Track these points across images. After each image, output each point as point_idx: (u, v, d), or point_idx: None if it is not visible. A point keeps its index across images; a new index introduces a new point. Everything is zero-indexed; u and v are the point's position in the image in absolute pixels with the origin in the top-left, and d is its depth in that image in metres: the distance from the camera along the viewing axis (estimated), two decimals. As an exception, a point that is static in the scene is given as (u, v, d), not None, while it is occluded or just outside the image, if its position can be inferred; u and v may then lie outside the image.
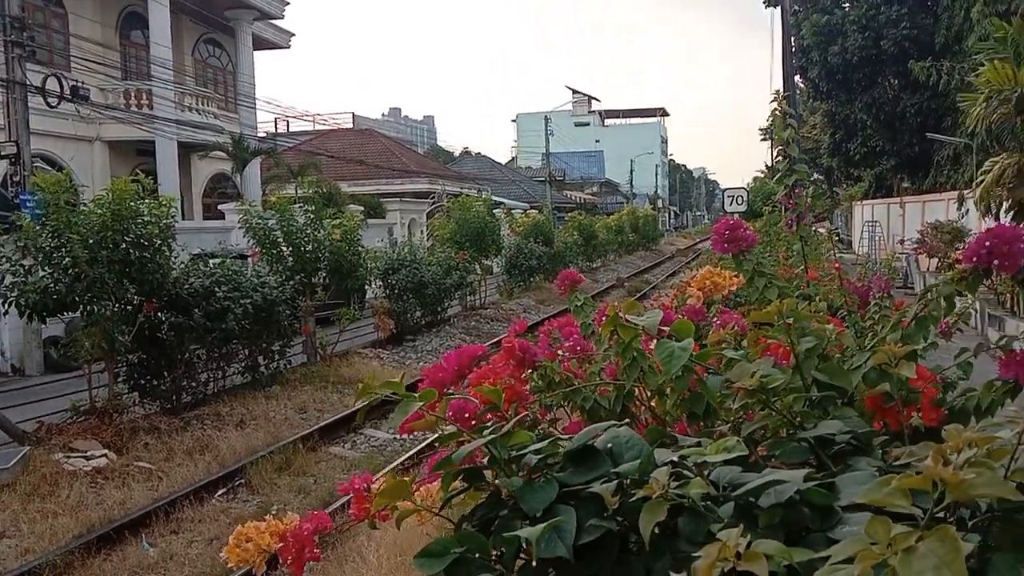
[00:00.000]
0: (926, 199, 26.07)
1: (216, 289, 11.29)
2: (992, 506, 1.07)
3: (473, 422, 1.57)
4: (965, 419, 1.74)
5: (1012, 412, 1.14)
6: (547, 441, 1.39)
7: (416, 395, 1.52)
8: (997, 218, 14.06)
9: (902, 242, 21.11)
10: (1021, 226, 1.83)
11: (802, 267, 3.24)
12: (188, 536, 7.44)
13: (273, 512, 6.73)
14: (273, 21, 32.37)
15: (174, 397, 10.99)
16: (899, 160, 31.10)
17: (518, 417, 1.46)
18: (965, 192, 17.14)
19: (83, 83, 21.33)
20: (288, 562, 1.70)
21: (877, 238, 29.51)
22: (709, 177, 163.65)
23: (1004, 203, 13.52)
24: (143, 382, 10.79)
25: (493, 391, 1.59)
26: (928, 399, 1.68)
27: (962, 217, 18.53)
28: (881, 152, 31.65)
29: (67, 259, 9.34)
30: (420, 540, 5.41)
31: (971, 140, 16.74)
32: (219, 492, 8.54)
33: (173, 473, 8.81)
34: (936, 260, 18.62)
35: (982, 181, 13.73)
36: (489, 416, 1.64)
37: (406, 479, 1.58)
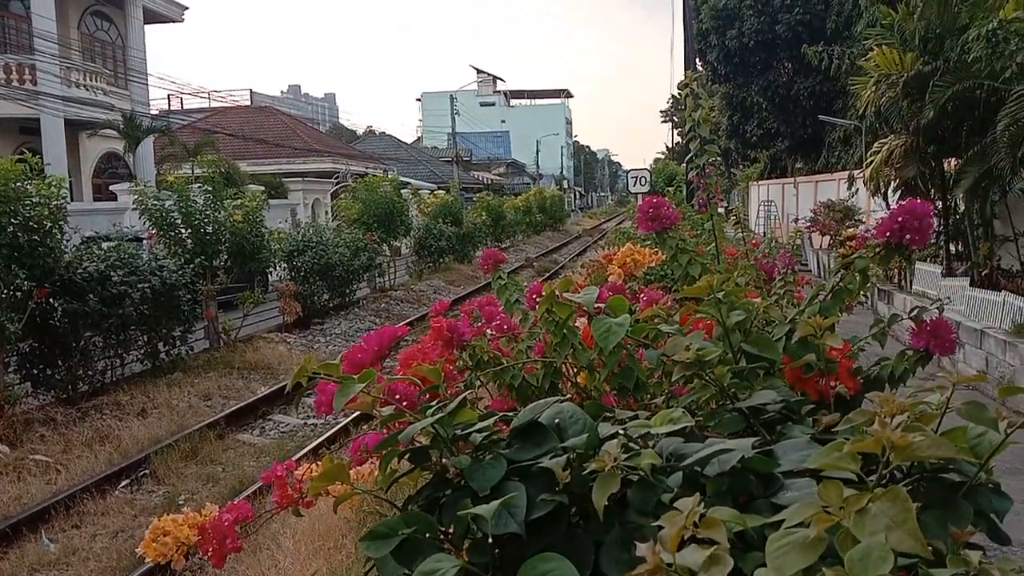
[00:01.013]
0: (818, 179, 27.11)
1: (111, 273, 10.85)
2: (922, 467, 1.13)
3: (406, 403, 1.56)
4: (880, 386, 1.83)
5: (941, 376, 1.20)
6: (492, 419, 1.39)
7: (355, 377, 1.49)
8: (885, 197, 14.80)
9: (796, 221, 21.94)
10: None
11: (712, 245, 3.34)
12: (91, 530, 7.15)
13: (181, 502, 6.52)
14: (165, -7, 31.02)
15: (70, 387, 10.52)
16: (793, 141, 32.21)
17: (462, 395, 1.45)
18: (855, 172, 17.93)
19: (-42, 56, 20.06)
20: (209, 554, 1.65)
21: (772, 217, 30.58)
22: (612, 158, 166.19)
23: (892, 182, 14.22)
24: (36, 371, 10.28)
25: (433, 371, 1.59)
26: (845, 368, 1.76)
27: (852, 196, 19.39)
28: (776, 134, 32.71)
29: (-52, 243, 8.80)
30: (337, 524, 5.33)
31: (861, 122, 17.47)
32: (123, 483, 8.24)
33: (72, 465, 8.44)
34: (828, 238, 19.43)
35: (871, 162, 14.39)
36: (426, 397, 1.63)
37: (343, 462, 1.56)
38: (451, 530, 1.28)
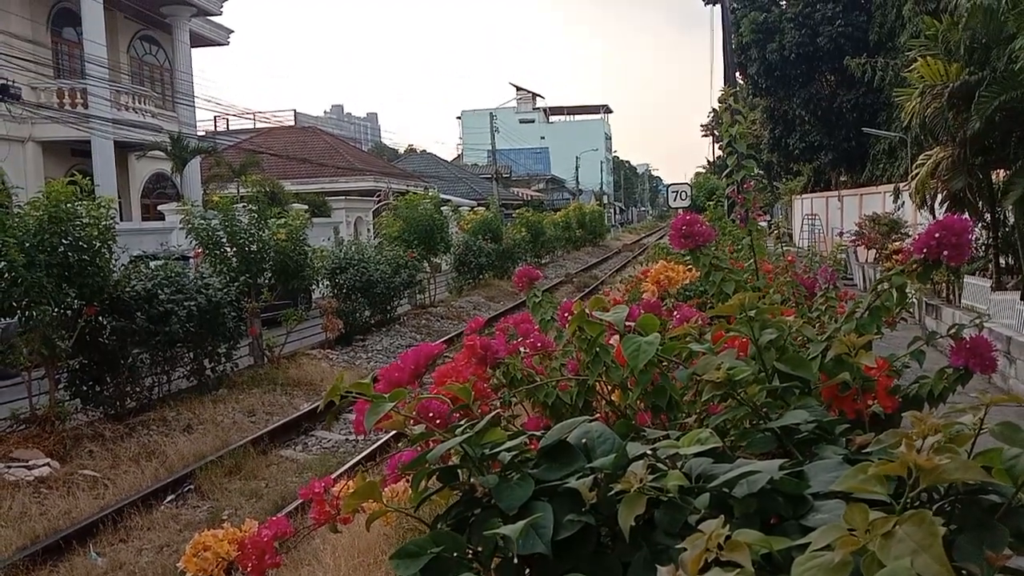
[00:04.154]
0: (863, 192, 26.71)
1: (159, 291, 11.07)
2: (957, 489, 1.11)
3: (438, 421, 1.57)
4: (919, 405, 1.80)
5: (974, 395, 1.18)
6: (520, 438, 1.40)
7: (386, 396, 1.51)
8: (932, 210, 14.51)
9: (841, 235, 21.62)
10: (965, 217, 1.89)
11: (751, 260, 3.31)
12: (137, 544, 7.28)
13: (225, 517, 6.59)
14: (211, 17, 31.74)
15: (118, 403, 10.73)
16: (836, 154, 31.81)
17: (491, 415, 1.46)
18: (901, 185, 17.62)
19: (13, 81, 20.69)
20: (248, 570, 1.67)
21: (817, 231, 30.18)
22: (653, 173, 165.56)
23: (939, 195, 13.95)
24: (85, 388, 10.51)
25: (463, 389, 1.59)
26: (883, 387, 1.73)
27: (898, 209, 19.05)
28: (819, 147, 32.35)
29: (2, 263, 9.05)
30: (377, 541, 5.35)
31: (905, 134, 17.22)
32: (168, 499, 8.38)
33: (119, 480, 8.61)
34: (874, 251, 19.11)
35: (917, 174, 14.15)
36: (457, 415, 1.64)
37: (375, 480, 1.57)
38: (480, 549, 1.29)
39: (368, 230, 31.70)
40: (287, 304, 15.67)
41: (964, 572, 1.05)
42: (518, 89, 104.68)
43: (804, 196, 35.25)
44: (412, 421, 1.57)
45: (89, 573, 6.73)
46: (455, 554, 1.27)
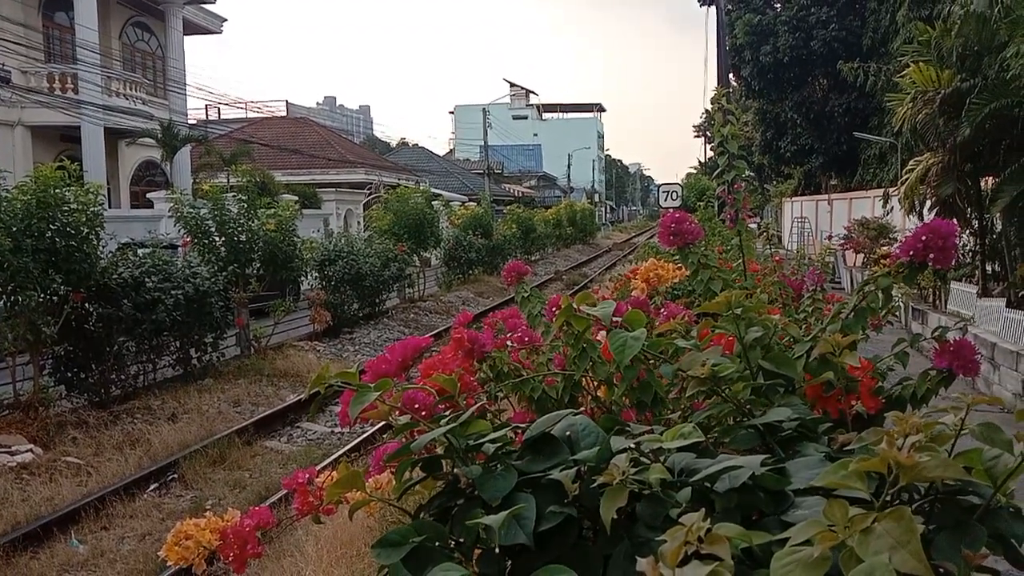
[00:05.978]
0: (853, 196, 26.82)
1: (146, 279, 11.02)
2: (936, 488, 1.12)
3: (424, 412, 1.57)
4: (902, 407, 1.80)
5: (956, 397, 1.19)
6: (504, 430, 1.40)
7: (371, 385, 1.51)
8: (920, 215, 14.59)
9: (830, 238, 21.69)
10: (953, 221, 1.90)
11: (739, 261, 3.32)
12: (119, 532, 7.25)
13: (208, 507, 6.58)
14: (204, 5, 31.56)
15: (103, 390, 10.68)
16: (827, 158, 31.94)
17: (476, 406, 1.46)
18: (890, 190, 17.71)
19: (4, 65, 20.55)
20: (229, 559, 1.67)
21: (806, 234, 30.29)
22: (644, 172, 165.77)
23: (928, 201, 14.02)
24: (70, 375, 10.46)
25: (449, 380, 1.60)
26: (867, 388, 1.74)
27: (887, 214, 19.14)
28: (810, 150, 32.47)
29: (-12, 247, 8.98)
30: (359, 532, 5.35)
31: (896, 139, 17.30)
32: (151, 487, 8.35)
33: (103, 468, 8.57)
34: (862, 255, 19.19)
35: (907, 179, 14.22)
36: (442, 406, 1.64)
37: (358, 470, 1.57)
38: (462, 539, 1.29)
39: (358, 223, 31.62)
40: (275, 295, 15.61)
41: (942, 570, 1.06)
42: (512, 85, 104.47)
43: (794, 199, 35.38)
44: (397, 412, 1.57)
45: (70, 560, 6.70)
46: (437, 544, 1.27)
